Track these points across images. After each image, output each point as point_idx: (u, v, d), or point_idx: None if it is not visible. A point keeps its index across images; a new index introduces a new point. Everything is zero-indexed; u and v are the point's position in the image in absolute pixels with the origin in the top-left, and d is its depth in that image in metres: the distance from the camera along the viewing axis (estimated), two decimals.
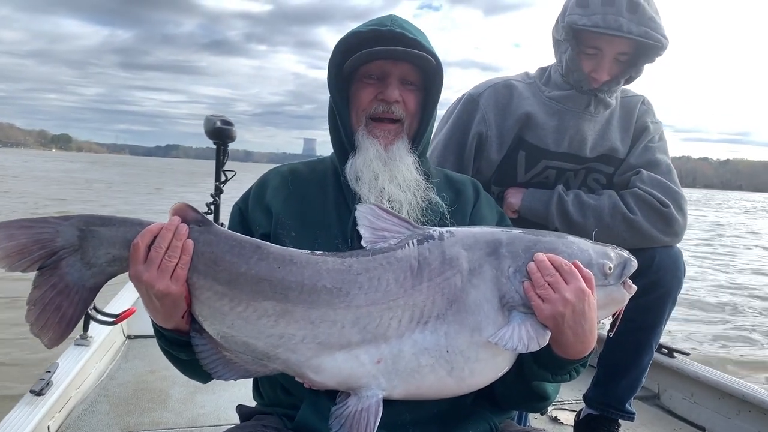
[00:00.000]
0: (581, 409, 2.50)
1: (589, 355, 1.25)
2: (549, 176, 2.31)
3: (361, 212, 1.24)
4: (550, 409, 2.78)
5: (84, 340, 2.86)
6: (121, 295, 3.56)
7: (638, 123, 2.32)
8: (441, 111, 2.42)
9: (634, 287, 1.29)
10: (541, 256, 1.19)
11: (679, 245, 2.25)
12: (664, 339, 2.64)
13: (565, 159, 2.28)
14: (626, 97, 2.34)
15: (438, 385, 1.19)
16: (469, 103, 2.31)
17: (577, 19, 2.02)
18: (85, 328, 2.89)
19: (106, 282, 1.21)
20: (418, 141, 1.46)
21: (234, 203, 1.52)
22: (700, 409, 2.80)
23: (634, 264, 1.29)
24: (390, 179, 1.38)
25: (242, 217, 1.47)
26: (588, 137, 2.25)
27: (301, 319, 1.16)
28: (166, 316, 1.19)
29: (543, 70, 2.36)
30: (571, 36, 2.09)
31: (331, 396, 1.23)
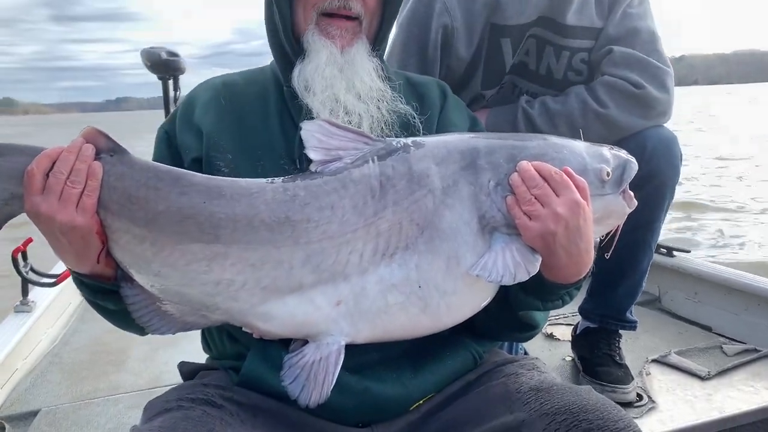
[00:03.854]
0: (578, 323, 2.32)
1: (584, 277, 1.08)
2: (530, 48, 2.03)
3: (308, 131, 1.03)
4: None
5: (25, 306, 2.59)
6: None
7: None
8: None
9: (635, 201, 1.13)
10: (525, 165, 1.03)
11: (671, 128, 2.00)
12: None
13: (546, 26, 1.99)
14: None
15: (410, 325, 1.06)
16: None
17: None
18: (24, 293, 2.62)
19: (5, 223, 1.03)
20: (379, 43, 1.28)
21: (159, 126, 1.29)
22: (705, 308, 2.67)
23: (635, 166, 1.14)
24: (347, 88, 1.19)
25: (169, 142, 1.26)
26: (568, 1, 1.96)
27: (238, 262, 1.00)
28: (78, 257, 1.02)
29: None
30: None
31: (284, 342, 1.08)
